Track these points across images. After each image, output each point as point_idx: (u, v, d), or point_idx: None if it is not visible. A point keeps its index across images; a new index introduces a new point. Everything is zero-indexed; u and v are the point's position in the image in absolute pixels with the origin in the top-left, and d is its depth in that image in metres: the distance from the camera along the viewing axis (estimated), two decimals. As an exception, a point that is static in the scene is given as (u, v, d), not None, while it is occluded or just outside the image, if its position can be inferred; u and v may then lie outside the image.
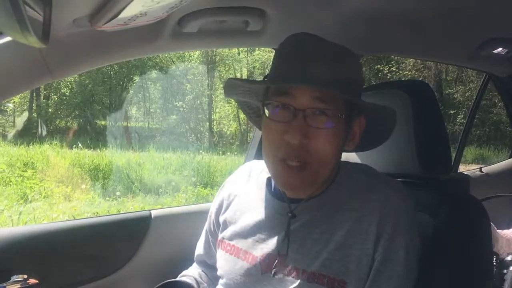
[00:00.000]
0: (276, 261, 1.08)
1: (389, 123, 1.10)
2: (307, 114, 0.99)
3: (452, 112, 11.32)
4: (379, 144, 1.17)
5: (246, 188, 1.25)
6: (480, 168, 2.82)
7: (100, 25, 1.01)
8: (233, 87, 1.14)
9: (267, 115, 1.05)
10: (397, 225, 1.01)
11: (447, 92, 12.41)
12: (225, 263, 1.18)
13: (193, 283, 1.21)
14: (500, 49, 1.89)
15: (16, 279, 1.31)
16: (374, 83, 6.06)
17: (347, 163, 1.16)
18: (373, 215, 1.02)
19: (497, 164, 3.02)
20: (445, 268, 1.09)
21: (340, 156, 1.09)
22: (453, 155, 2.79)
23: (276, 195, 1.15)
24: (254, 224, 1.16)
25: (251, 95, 1.15)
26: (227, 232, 1.21)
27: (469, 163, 9.13)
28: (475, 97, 2.93)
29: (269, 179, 1.21)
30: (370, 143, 1.16)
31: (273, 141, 1.03)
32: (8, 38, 1.04)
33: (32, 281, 1.32)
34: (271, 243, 1.10)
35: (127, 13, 0.92)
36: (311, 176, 1.03)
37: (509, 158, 3.12)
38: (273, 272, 1.07)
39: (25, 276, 1.31)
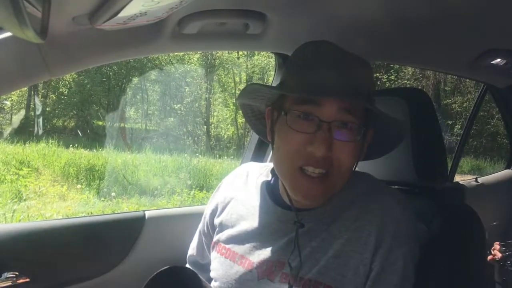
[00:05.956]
0: (273, 268, 1.07)
1: (397, 134, 1.10)
2: (332, 126, 0.98)
3: (449, 122, 11.34)
4: (385, 153, 1.16)
5: (243, 191, 1.23)
6: (476, 178, 2.82)
7: (99, 24, 1.01)
8: (251, 91, 1.11)
9: (287, 123, 1.01)
10: (396, 235, 1.00)
11: (445, 102, 12.44)
12: (219, 266, 1.17)
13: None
14: (498, 60, 1.89)
15: (8, 276, 1.30)
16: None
17: None
18: (373, 225, 1.01)
19: (492, 175, 3.03)
20: (439, 277, 1.09)
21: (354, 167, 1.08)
22: (449, 164, 2.80)
23: (278, 201, 1.14)
24: (252, 230, 1.14)
25: (262, 100, 1.13)
26: (223, 235, 1.20)
27: (465, 174, 9.16)
28: (472, 108, 2.94)
29: (267, 184, 1.20)
30: (375, 152, 1.14)
31: (292, 150, 1.01)
32: (6, 34, 1.03)
33: (23, 279, 1.31)
34: (269, 250, 1.09)
35: (127, 12, 0.92)
36: (330, 187, 1.02)
37: (505, 169, 3.13)
38: (270, 279, 1.06)
39: (17, 273, 1.30)
